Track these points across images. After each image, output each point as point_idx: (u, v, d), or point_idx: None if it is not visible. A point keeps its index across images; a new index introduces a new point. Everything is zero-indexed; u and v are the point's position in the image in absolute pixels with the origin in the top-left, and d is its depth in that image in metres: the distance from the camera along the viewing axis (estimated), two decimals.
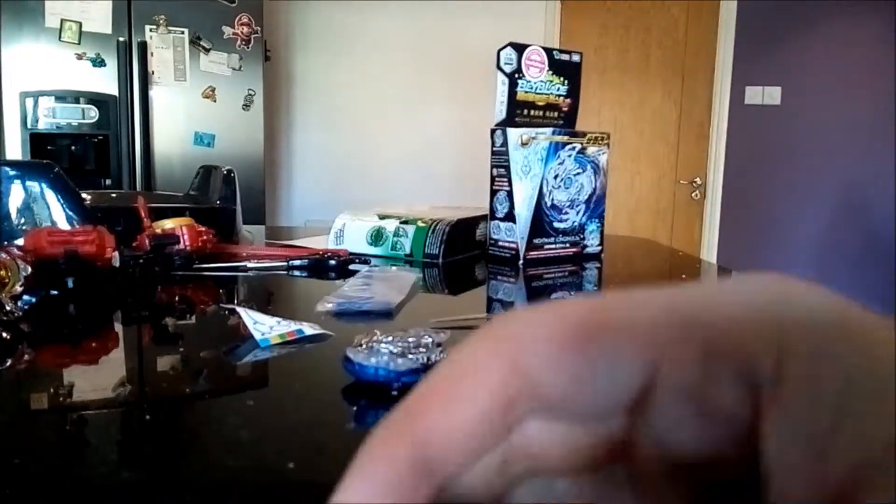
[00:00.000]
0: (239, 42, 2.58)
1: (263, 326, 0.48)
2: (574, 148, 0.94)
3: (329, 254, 0.83)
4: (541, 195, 0.92)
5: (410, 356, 0.37)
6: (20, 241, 0.65)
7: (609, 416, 0.13)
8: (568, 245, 0.97)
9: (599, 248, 1.01)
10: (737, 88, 3.37)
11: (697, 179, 3.50)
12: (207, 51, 2.56)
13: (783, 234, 3.43)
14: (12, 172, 0.76)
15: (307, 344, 0.48)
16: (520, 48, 0.93)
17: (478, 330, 0.12)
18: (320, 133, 3.18)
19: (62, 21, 2.41)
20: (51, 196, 0.77)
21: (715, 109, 3.41)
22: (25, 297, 0.56)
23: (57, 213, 0.77)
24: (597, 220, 1.00)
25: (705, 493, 0.14)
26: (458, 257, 0.93)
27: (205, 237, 0.81)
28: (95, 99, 2.46)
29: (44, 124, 2.44)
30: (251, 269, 0.79)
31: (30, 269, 0.57)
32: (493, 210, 0.95)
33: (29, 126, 2.42)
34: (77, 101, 2.45)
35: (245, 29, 2.58)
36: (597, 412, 0.13)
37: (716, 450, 0.13)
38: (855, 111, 3.34)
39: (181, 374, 0.43)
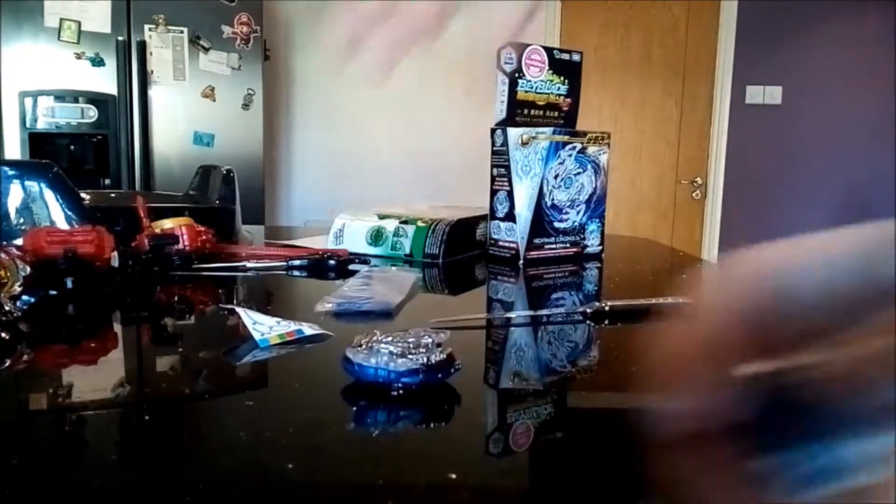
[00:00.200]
0: (238, 41, 2.58)
1: (263, 327, 0.48)
2: (574, 148, 0.94)
3: (329, 254, 0.83)
4: (541, 195, 0.91)
5: (410, 356, 0.36)
6: (19, 241, 0.65)
7: None
8: (568, 245, 0.97)
9: (600, 247, 1.01)
10: (738, 88, 3.37)
11: (698, 179, 3.49)
12: (207, 50, 2.56)
13: (784, 234, 3.40)
14: (11, 172, 0.76)
15: (307, 344, 0.48)
16: (520, 48, 0.93)
17: None
18: (320, 133, 3.18)
19: (61, 20, 2.41)
20: (50, 196, 0.77)
21: (716, 109, 3.41)
22: (24, 298, 0.56)
23: (56, 212, 0.77)
24: (597, 220, 0.99)
25: None
26: (458, 257, 0.93)
27: (204, 237, 0.80)
28: (94, 98, 2.46)
29: (43, 124, 2.43)
30: (250, 269, 0.78)
31: (29, 270, 0.57)
32: (493, 210, 0.95)
33: (28, 126, 2.42)
34: (76, 101, 2.45)
35: (244, 28, 2.58)
36: None
37: None
38: (856, 111, 3.34)
39: (180, 375, 0.43)
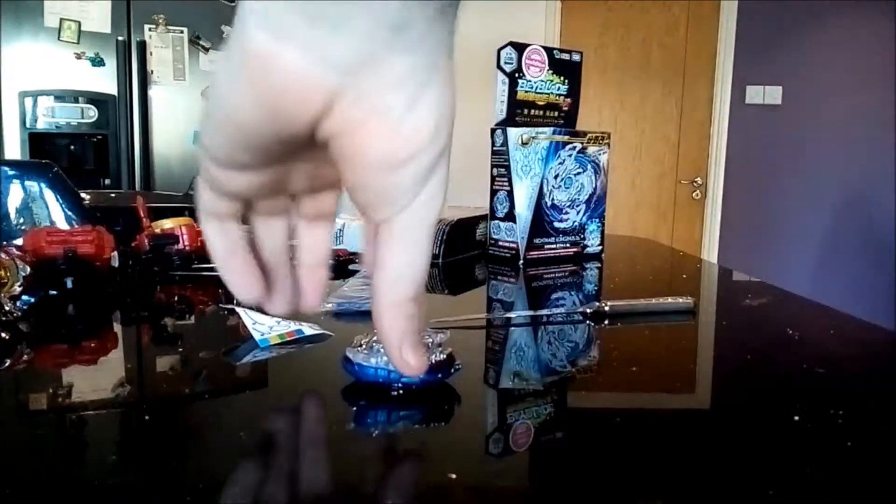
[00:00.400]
0: None
1: (263, 327, 0.48)
2: (574, 147, 0.94)
3: None
4: (541, 195, 0.91)
5: None
6: (19, 241, 0.65)
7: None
8: (568, 245, 0.97)
9: (600, 247, 1.01)
10: (737, 88, 3.37)
11: (698, 179, 3.50)
12: (207, 50, 2.56)
13: (784, 234, 3.43)
14: (11, 172, 0.76)
15: (307, 344, 0.48)
16: (520, 47, 0.93)
17: None
18: None
19: (61, 20, 2.41)
20: (50, 196, 0.77)
21: (716, 109, 3.41)
22: (24, 298, 0.56)
23: (56, 212, 0.77)
24: (597, 220, 0.99)
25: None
26: (458, 257, 0.93)
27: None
28: (94, 98, 2.46)
29: (43, 124, 2.43)
30: None
31: (29, 270, 0.57)
32: (493, 210, 0.95)
33: (28, 126, 2.42)
34: (76, 101, 2.45)
35: None
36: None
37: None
38: (855, 111, 3.34)
39: (180, 375, 0.43)
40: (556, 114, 1.00)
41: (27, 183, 0.76)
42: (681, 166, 3.50)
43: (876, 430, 0.34)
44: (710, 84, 3.41)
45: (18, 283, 0.55)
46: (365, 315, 0.57)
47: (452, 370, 0.38)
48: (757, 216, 3.43)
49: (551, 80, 0.97)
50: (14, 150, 2.40)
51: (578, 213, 0.97)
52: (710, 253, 3.47)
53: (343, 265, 0.82)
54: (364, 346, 0.38)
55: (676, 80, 3.43)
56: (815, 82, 3.33)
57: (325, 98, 0.22)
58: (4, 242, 0.65)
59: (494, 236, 0.95)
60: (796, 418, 0.35)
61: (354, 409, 0.36)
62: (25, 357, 0.47)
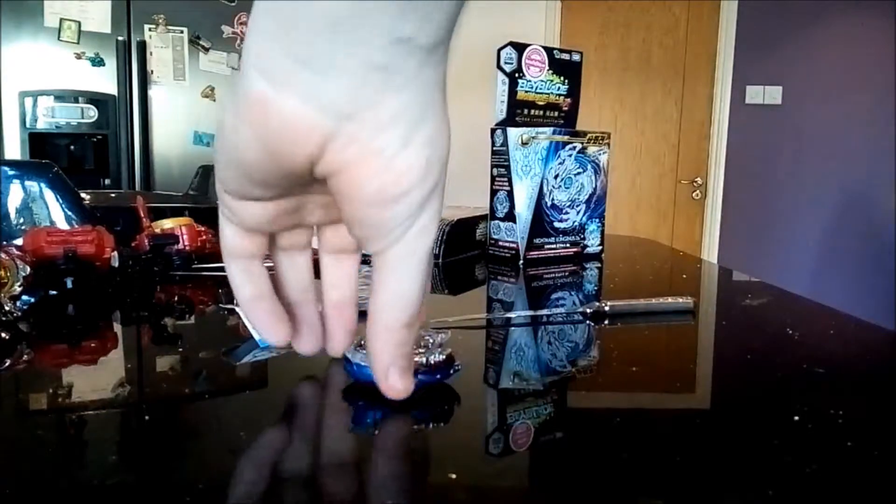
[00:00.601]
0: (238, 41, 2.58)
1: None
2: (574, 147, 0.94)
3: None
4: (541, 195, 0.91)
5: None
6: (19, 241, 0.65)
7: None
8: (568, 245, 0.97)
9: (600, 247, 1.01)
10: (737, 88, 3.37)
11: (698, 179, 3.50)
12: (207, 50, 2.56)
13: (784, 233, 3.43)
14: (11, 172, 0.76)
15: None
16: (520, 47, 0.93)
17: None
18: None
19: (61, 20, 2.41)
20: (50, 196, 0.77)
21: (716, 109, 3.41)
22: (24, 298, 0.56)
23: (56, 212, 0.77)
24: (597, 220, 0.99)
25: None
26: (458, 257, 0.93)
27: (204, 237, 0.80)
28: (94, 98, 2.46)
29: (43, 124, 2.43)
30: None
31: (29, 270, 0.57)
32: (493, 210, 0.95)
33: (28, 126, 2.42)
34: (76, 101, 2.45)
35: (244, 28, 2.58)
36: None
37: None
38: (855, 111, 3.34)
39: (180, 375, 0.43)
40: (556, 114, 1.00)
41: (27, 183, 0.76)
42: (681, 166, 3.50)
43: (876, 430, 0.34)
44: (710, 84, 3.41)
45: (18, 283, 0.55)
46: (365, 315, 0.57)
47: (452, 371, 0.38)
48: (757, 216, 3.43)
49: (551, 80, 0.97)
50: (14, 150, 2.40)
51: (578, 213, 0.97)
52: (710, 253, 3.47)
53: None
54: (363, 347, 0.38)
55: (676, 80, 3.43)
56: (815, 82, 3.33)
57: (319, 141, 0.23)
58: (4, 242, 0.65)
59: (494, 236, 0.95)
60: (796, 418, 0.35)
61: (354, 409, 0.36)
62: (25, 357, 0.47)
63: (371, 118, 0.22)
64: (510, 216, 0.92)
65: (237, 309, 0.50)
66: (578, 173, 0.95)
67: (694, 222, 3.53)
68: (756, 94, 3.36)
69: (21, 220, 0.75)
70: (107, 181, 2.50)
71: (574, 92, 1.01)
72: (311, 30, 0.21)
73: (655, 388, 0.42)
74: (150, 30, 2.49)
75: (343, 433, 0.34)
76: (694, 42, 3.40)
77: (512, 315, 0.61)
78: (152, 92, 2.52)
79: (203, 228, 0.81)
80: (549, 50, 0.97)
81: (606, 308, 0.59)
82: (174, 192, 1.21)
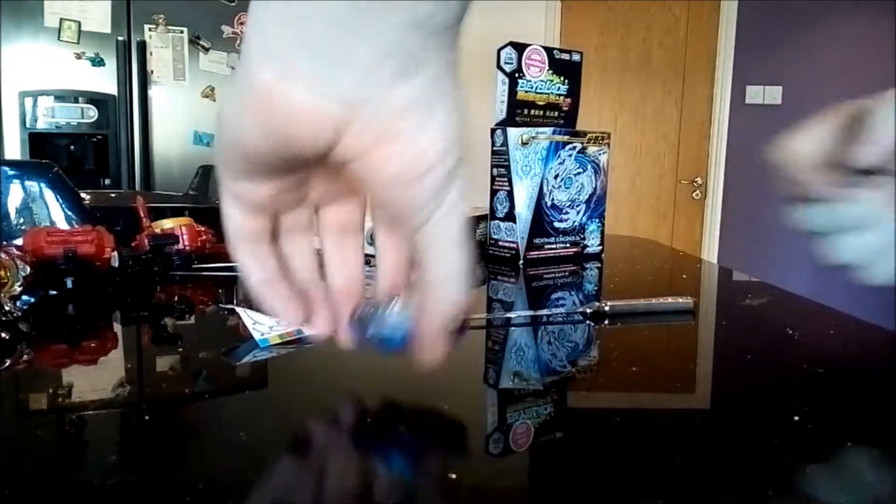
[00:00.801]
0: (238, 41, 2.58)
1: (263, 326, 0.48)
2: (574, 147, 0.94)
3: None
4: (541, 195, 0.91)
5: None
6: (19, 241, 0.65)
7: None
8: (568, 245, 0.97)
9: (600, 247, 1.01)
10: (738, 88, 3.37)
11: (698, 179, 3.50)
12: (207, 50, 2.56)
13: (784, 233, 3.43)
14: (11, 172, 0.76)
15: (307, 344, 0.48)
16: (520, 47, 0.93)
17: None
18: None
19: (61, 20, 2.41)
20: (50, 196, 0.77)
21: (716, 109, 3.41)
22: (24, 298, 0.56)
23: (56, 212, 0.77)
24: (597, 220, 0.99)
25: None
26: None
27: (204, 237, 0.80)
28: (94, 98, 2.46)
29: (43, 124, 2.43)
30: None
31: (29, 270, 0.57)
32: (493, 210, 0.95)
33: (28, 126, 2.42)
34: (76, 101, 2.45)
35: (244, 28, 2.58)
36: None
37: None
38: None
39: (180, 375, 0.43)
40: (556, 114, 1.00)
41: (27, 183, 0.76)
42: (681, 166, 3.50)
43: (876, 430, 0.34)
44: (710, 84, 3.41)
45: (18, 283, 0.55)
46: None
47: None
48: (757, 216, 3.43)
49: (551, 80, 0.97)
50: (14, 150, 2.40)
51: (578, 213, 0.97)
52: (710, 253, 3.47)
53: None
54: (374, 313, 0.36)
55: (676, 80, 3.43)
56: (815, 82, 3.33)
57: (335, 128, 0.23)
58: (4, 242, 0.65)
59: (494, 236, 0.95)
60: (796, 418, 0.35)
61: (354, 409, 0.36)
62: (25, 357, 0.47)
63: (386, 103, 0.22)
64: (510, 216, 0.92)
65: (237, 309, 0.51)
66: (578, 173, 0.95)
67: (694, 222, 3.53)
68: (756, 94, 3.36)
69: (21, 220, 0.75)
70: (107, 181, 2.50)
71: (574, 92, 1.01)
72: (331, 20, 0.21)
73: (655, 388, 0.42)
74: (150, 30, 2.49)
75: (342, 433, 0.34)
76: (694, 42, 3.40)
77: (512, 315, 0.61)
78: (152, 92, 2.52)
79: (203, 228, 0.81)
80: (549, 50, 0.97)
81: (606, 308, 0.59)
82: (174, 192, 1.21)
